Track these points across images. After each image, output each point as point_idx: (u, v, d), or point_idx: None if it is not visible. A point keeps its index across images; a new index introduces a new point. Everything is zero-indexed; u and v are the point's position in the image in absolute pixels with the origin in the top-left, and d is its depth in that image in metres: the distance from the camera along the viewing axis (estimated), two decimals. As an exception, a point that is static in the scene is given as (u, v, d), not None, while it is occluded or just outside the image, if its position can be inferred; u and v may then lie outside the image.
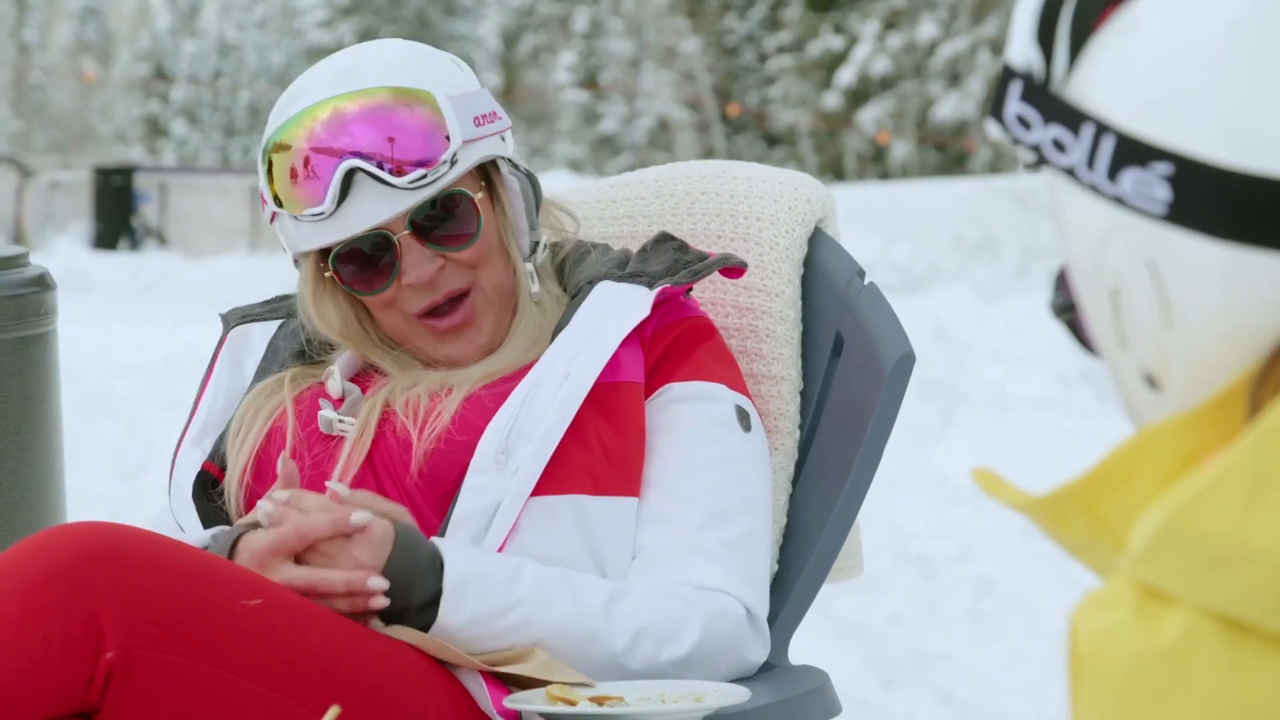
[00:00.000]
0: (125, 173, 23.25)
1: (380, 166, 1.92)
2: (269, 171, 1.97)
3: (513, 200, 2.03)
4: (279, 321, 2.13)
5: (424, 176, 1.94)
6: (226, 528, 1.94)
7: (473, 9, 38.75)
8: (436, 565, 1.82)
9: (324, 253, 2.00)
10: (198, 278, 16.52)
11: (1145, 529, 0.88)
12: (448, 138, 1.95)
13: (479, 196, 2.00)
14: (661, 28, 35.24)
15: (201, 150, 47.27)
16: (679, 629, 1.88)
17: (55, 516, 2.58)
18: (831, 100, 30.53)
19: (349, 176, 1.92)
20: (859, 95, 30.36)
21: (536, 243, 2.06)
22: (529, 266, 2.04)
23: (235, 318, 2.16)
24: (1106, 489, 0.93)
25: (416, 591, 1.81)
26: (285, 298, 2.17)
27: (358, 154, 1.92)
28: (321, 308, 2.03)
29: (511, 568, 1.84)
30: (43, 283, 2.59)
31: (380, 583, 1.79)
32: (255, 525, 1.85)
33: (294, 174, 1.94)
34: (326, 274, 2.00)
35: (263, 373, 2.09)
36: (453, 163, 1.96)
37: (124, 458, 6.92)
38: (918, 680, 4.21)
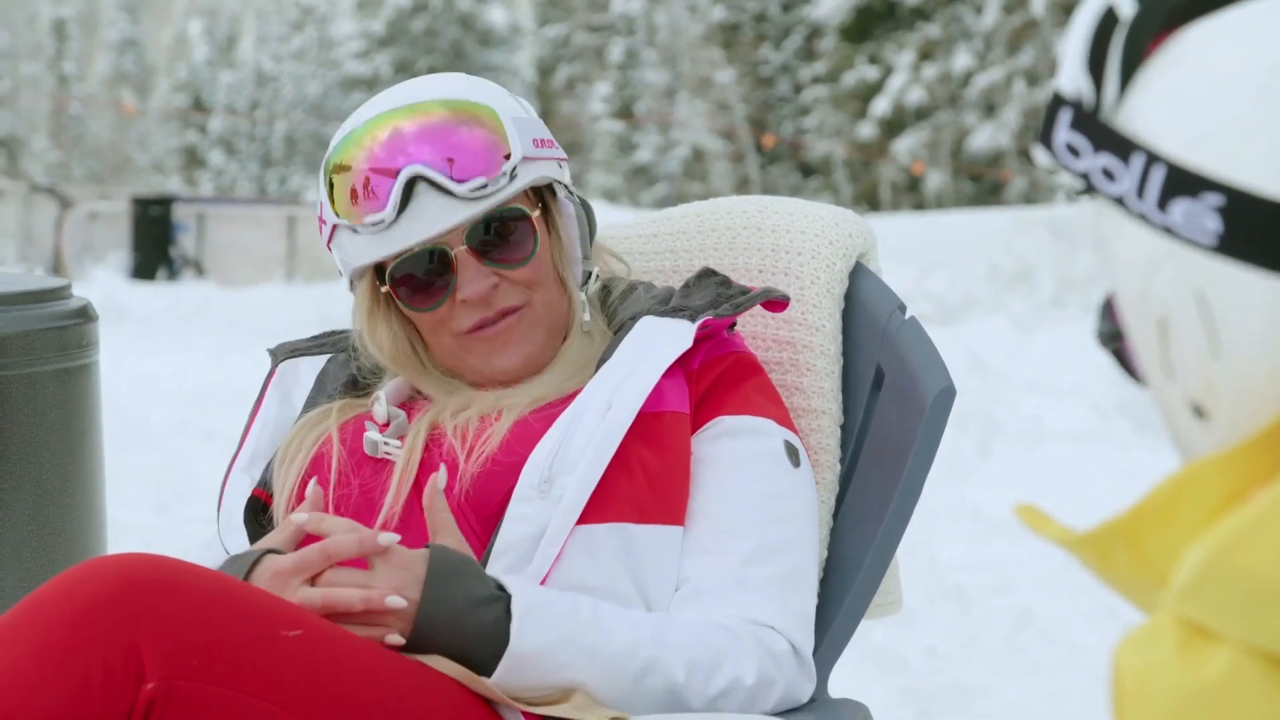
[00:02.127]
0: (163, 203, 23.38)
1: (442, 175, 1.96)
2: (330, 189, 2.01)
3: (568, 227, 2.07)
4: (327, 356, 2.15)
5: (484, 186, 1.97)
6: (242, 552, 1.95)
7: (508, 40, 38.89)
8: (486, 591, 1.81)
9: (379, 272, 2.03)
10: (235, 308, 16.59)
11: (1189, 566, 0.88)
12: (508, 155, 1.99)
13: (535, 215, 2.03)
14: (696, 58, 35.30)
15: (238, 180, 47.51)
16: (734, 662, 1.87)
17: (97, 547, 2.59)
18: (866, 130, 30.53)
19: (410, 185, 1.96)
20: (894, 125, 30.37)
21: (589, 273, 2.08)
22: (581, 296, 2.06)
23: (283, 353, 2.17)
24: (1150, 525, 0.93)
25: (467, 620, 1.81)
26: (332, 334, 2.19)
27: (421, 162, 1.96)
28: (375, 330, 2.05)
29: (570, 598, 1.84)
30: (85, 314, 2.61)
31: (398, 601, 1.78)
32: (271, 551, 1.85)
33: (355, 185, 1.98)
34: (383, 289, 2.02)
35: (311, 404, 2.10)
36: (512, 176, 1.99)
37: (161, 488, 6.94)
38: (956, 713, 4.20)
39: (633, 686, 1.83)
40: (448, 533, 1.87)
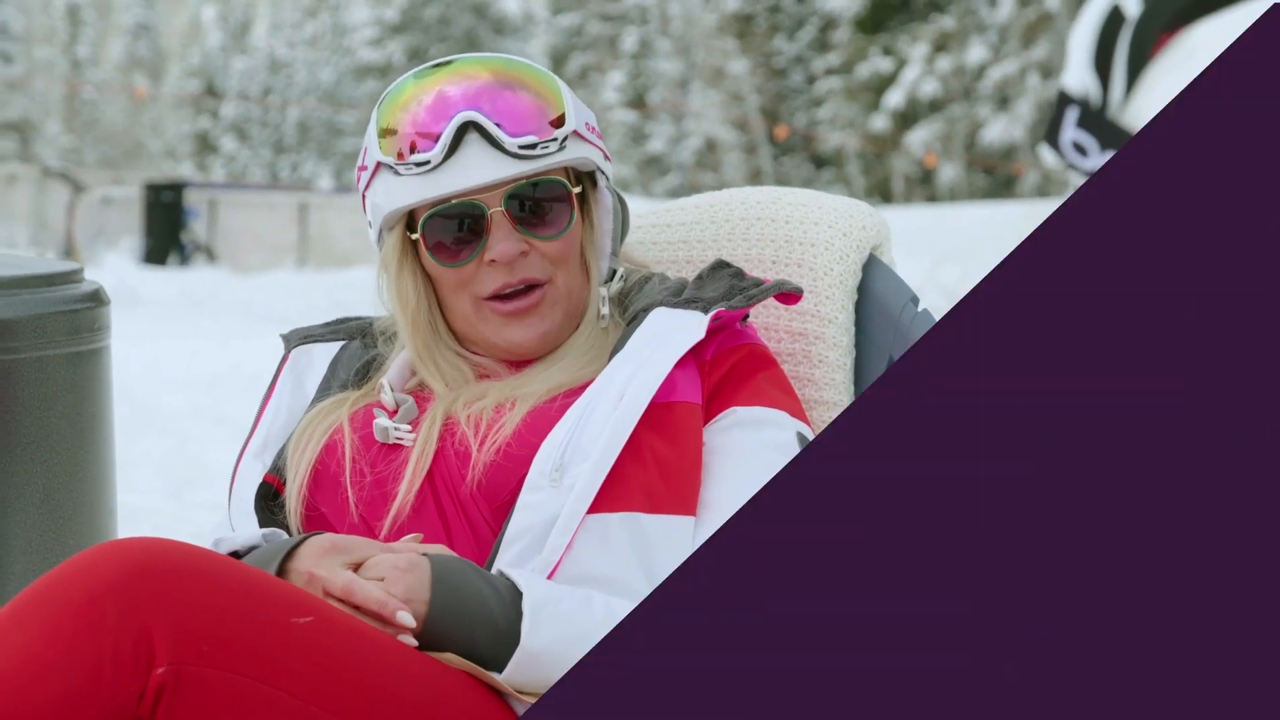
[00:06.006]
0: (175, 189, 23.42)
1: (494, 126, 1.97)
2: (379, 120, 2.02)
3: (603, 218, 2.08)
4: (341, 343, 2.15)
5: (534, 145, 1.98)
6: (281, 531, 1.95)
7: (522, 28, 38.87)
8: (497, 590, 1.81)
9: (411, 225, 2.03)
10: (246, 293, 16.61)
11: None
12: (560, 122, 2.00)
13: (575, 193, 2.04)
14: (710, 48, 35.29)
15: (250, 166, 47.54)
16: None
17: (106, 532, 2.59)
18: (880, 122, 30.51)
19: (462, 130, 1.97)
20: (907, 118, 30.34)
21: (614, 271, 2.08)
22: (603, 291, 2.06)
23: (297, 339, 2.17)
24: None
25: (478, 619, 1.80)
26: (346, 320, 2.19)
27: (477, 109, 1.96)
28: (401, 282, 2.05)
29: (582, 594, 1.84)
30: (97, 298, 2.61)
31: (408, 619, 1.79)
32: (314, 532, 1.86)
33: (407, 123, 1.99)
34: (413, 236, 2.03)
35: (324, 391, 2.10)
36: (562, 145, 2.00)
37: (172, 473, 6.94)
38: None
39: None
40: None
